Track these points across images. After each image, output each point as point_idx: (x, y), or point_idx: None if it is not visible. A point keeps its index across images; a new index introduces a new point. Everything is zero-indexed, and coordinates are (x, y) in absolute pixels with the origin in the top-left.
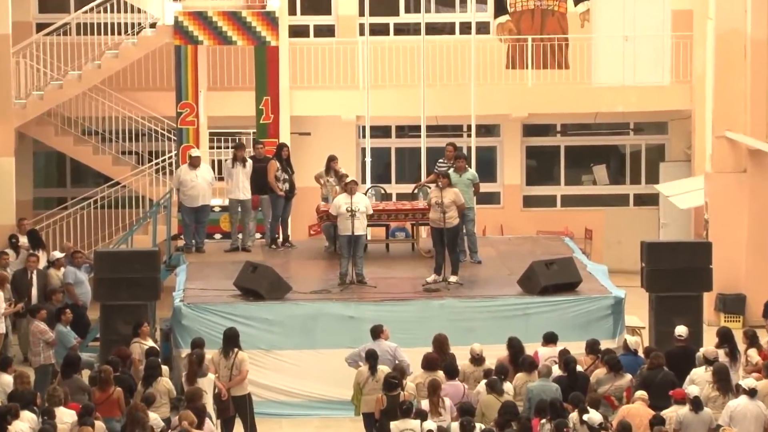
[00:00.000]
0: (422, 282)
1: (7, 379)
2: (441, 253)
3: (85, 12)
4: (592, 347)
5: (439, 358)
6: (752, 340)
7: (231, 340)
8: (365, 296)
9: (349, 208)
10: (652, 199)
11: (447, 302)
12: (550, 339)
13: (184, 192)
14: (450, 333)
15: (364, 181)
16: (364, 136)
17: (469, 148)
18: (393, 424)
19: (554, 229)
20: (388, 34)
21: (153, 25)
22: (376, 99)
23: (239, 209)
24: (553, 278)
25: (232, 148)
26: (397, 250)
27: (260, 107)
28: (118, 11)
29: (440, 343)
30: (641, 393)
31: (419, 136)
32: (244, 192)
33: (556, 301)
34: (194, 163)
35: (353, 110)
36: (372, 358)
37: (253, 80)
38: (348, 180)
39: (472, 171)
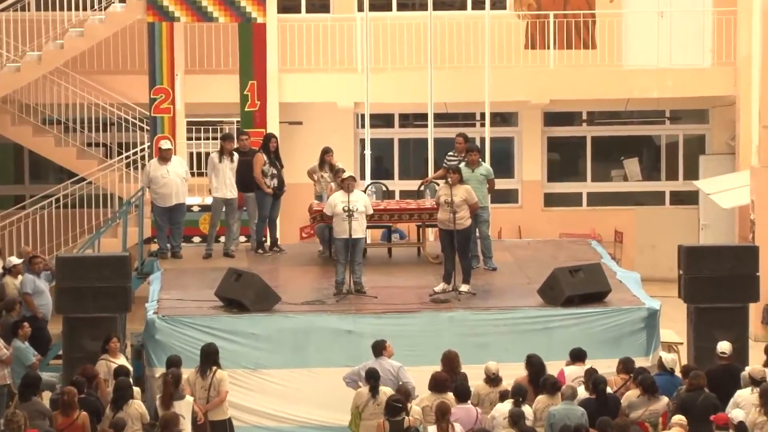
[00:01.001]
0: (429, 292)
1: None
2: (451, 259)
3: None
4: (625, 366)
5: (449, 378)
6: None
7: (209, 357)
8: (364, 308)
9: (346, 208)
10: (690, 198)
11: (457, 314)
12: (576, 356)
13: (155, 190)
14: (461, 349)
15: (363, 177)
16: (362, 126)
17: (482, 140)
18: None
19: (579, 231)
20: (390, 9)
21: (123, 0)
22: (376, 83)
23: (223, 210)
24: (578, 287)
25: (220, 139)
26: (401, 255)
27: (245, 93)
28: None
29: (450, 361)
30: (679, 418)
31: (426, 126)
32: (232, 190)
33: (581, 314)
34: (165, 156)
35: (350, 96)
36: (373, 378)
37: (236, 62)
38: (345, 176)
39: (486, 165)
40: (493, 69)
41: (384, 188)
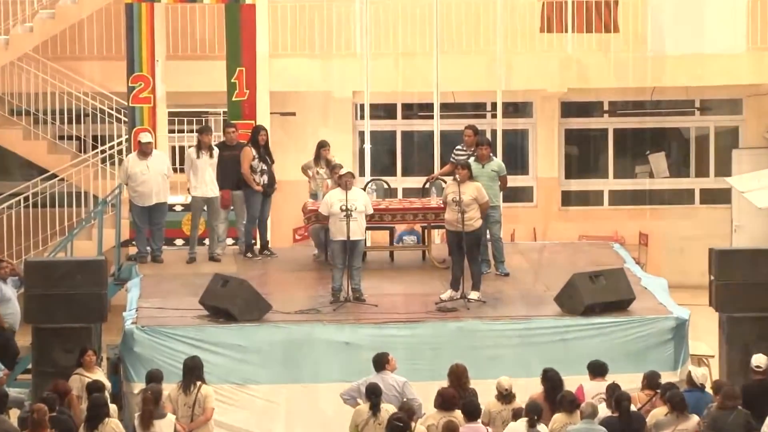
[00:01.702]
0: (435, 299)
1: None
2: (459, 264)
3: None
4: (650, 381)
5: (457, 395)
6: None
7: (192, 371)
8: (364, 317)
9: (344, 207)
10: (722, 196)
11: (467, 324)
12: (597, 371)
13: (134, 188)
14: (470, 363)
15: (362, 174)
16: (362, 117)
17: (493, 132)
18: None
19: (600, 233)
20: None
21: None
22: (377, 70)
23: (204, 209)
24: (599, 295)
25: (196, 132)
26: (404, 259)
27: (232, 81)
28: None
29: (458, 376)
30: None
31: (431, 117)
32: (212, 188)
33: (603, 324)
34: (144, 151)
35: (348, 85)
36: (374, 394)
37: (223, 47)
38: (342, 172)
39: (497, 161)
40: (506, 54)
41: (385, 186)
